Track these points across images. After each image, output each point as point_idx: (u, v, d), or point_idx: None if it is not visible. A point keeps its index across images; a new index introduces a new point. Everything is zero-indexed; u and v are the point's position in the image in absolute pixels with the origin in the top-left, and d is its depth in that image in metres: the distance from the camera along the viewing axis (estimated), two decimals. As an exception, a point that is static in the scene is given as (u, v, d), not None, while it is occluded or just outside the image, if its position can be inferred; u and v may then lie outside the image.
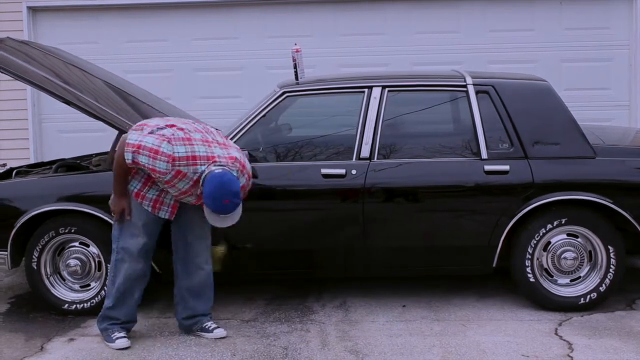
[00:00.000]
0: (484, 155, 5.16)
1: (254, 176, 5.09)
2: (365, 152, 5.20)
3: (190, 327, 4.93)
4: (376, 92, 5.31)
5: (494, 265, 5.21)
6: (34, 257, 5.25)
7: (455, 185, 5.19)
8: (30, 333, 5.03)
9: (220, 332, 4.89)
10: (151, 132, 4.52)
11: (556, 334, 4.80)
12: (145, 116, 5.86)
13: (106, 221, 5.14)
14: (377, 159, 5.20)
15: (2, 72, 5.48)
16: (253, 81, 8.40)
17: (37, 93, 8.22)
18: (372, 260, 5.26)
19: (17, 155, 7.89)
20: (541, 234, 5.11)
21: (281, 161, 5.34)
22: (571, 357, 4.43)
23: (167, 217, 4.74)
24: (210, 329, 4.90)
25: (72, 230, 5.23)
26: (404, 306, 5.36)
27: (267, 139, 5.47)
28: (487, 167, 5.13)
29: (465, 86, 5.31)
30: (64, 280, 5.35)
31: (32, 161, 7.91)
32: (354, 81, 5.56)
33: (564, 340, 4.69)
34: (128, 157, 4.49)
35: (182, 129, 4.57)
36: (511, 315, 5.14)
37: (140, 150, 4.45)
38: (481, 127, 5.20)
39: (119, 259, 4.74)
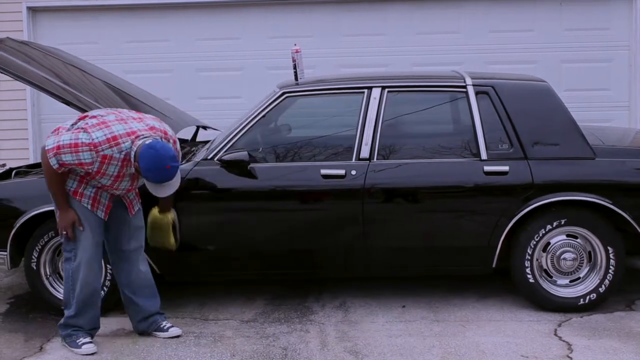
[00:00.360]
0: (484, 155, 5.16)
1: (254, 177, 5.10)
2: (365, 152, 5.20)
3: (147, 328, 4.92)
4: (376, 92, 5.31)
5: (494, 265, 5.21)
6: (33, 257, 5.25)
7: (455, 185, 5.19)
8: (29, 333, 5.03)
9: (175, 330, 4.90)
10: (67, 130, 4.51)
11: (555, 334, 4.80)
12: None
13: (106, 221, 5.14)
14: (377, 159, 5.20)
15: (1, 73, 5.49)
16: (253, 81, 8.40)
17: (37, 93, 8.22)
18: (371, 260, 5.26)
19: (17, 155, 7.90)
20: (541, 235, 5.11)
21: (281, 162, 5.34)
22: (570, 358, 4.43)
23: (102, 216, 4.68)
24: (165, 328, 4.91)
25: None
26: (403, 306, 5.36)
27: (267, 139, 5.47)
28: (487, 168, 5.13)
29: (465, 87, 5.31)
30: (62, 281, 5.35)
31: (31, 161, 7.91)
32: (354, 82, 5.56)
33: (564, 341, 4.69)
34: (53, 162, 4.42)
35: (94, 117, 4.56)
36: (511, 315, 5.14)
37: (61, 150, 4.39)
38: (481, 128, 5.20)
39: (74, 268, 4.66)
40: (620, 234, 5.13)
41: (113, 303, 5.29)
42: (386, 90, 5.33)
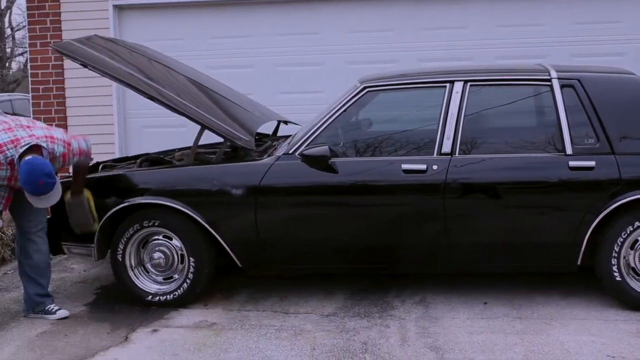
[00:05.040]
0: (569, 150, 5.05)
1: (335, 171, 5.11)
2: (446, 147, 5.15)
3: (35, 307, 5.28)
4: (458, 86, 5.25)
5: (579, 263, 5.10)
6: (119, 249, 5.38)
7: (539, 181, 5.09)
8: (115, 323, 5.14)
9: (62, 312, 5.28)
10: None
11: (644, 334, 4.68)
12: (226, 111, 5.94)
13: (189, 215, 5.22)
14: (459, 154, 5.14)
15: (89, 69, 5.62)
16: (333, 76, 8.39)
17: (122, 89, 8.39)
18: (453, 256, 5.21)
19: (103, 149, 8.05)
20: (628, 232, 4.98)
21: (361, 156, 5.33)
22: (659, 359, 4.32)
23: (1, 209, 5.04)
24: (53, 310, 5.28)
25: (156, 224, 5.33)
26: (485, 303, 5.30)
27: (348, 134, 5.46)
28: (572, 163, 5.02)
29: (549, 80, 5.21)
30: (147, 272, 5.47)
31: (117, 155, 8.09)
32: (436, 76, 5.51)
33: (652, 341, 4.56)
34: None
35: None
36: (596, 314, 5.02)
37: None
38: (566, 122, 5.09)
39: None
40: None
41: (195, 296, 5.38)
42: (469, 84, 5.27)
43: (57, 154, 4.99)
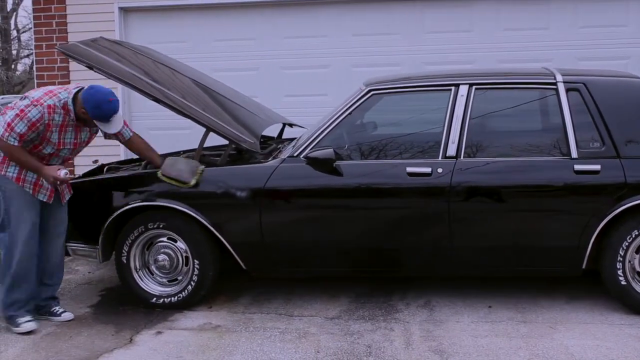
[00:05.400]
0: (574, 154, 5.05)
1: (340, 174, 5.12)
2: (451, 150, 5.15)
3: (41, 309, 5.24)
4: (463, 89, 5.25)
5: (584, 267, 5.09)
6: (123, 251, 5.38)
7: (544, 185, 5.09)
8: (119, 325, 5.15)
9: (67, 315, 5.24)
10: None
11: (649, 339, 4.67)
12: (231, 113, 5.95)
13: (194, 217, 5.23)
14: (464, 157, 5.14)
15: (95, 71, 5.63)
16: (339, 79, 8.41)
17: (128, 91, 8.41)
18: (457, 259, 5.21)
19: (108, 151, 8.06)
20: (633, 236, 4.97)
21: (366, 159, 5.33)
22: (664, 363, 4.31)
23: (45, 199, 5.03)
24: (59, 312, 5.24)
25: (161, 226, 5.33)
26: (489, 307, 5.29)
27: (353, 137, 5.46)
28: (578, 167, 5.01)
29: (555, 84, 5.20)
30: (152, 274, 5.47)
31: (122, 157, 8.10)
32: (441, 79, 5.50)
33: (657, 345, 4.56)
34: (12, 140, 4.81)
35: (28, 92, 5.00)
36: (601, 318, 5.02)
37: (12, 124, 4.78)
38: (571, 126, 5.09)
39: (10, 245, 4.98)
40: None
41: (199, 298, 5.38)
42: (474, 87, 5.26)
43: None
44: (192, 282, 5.33)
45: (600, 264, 5.07)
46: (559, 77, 5.23)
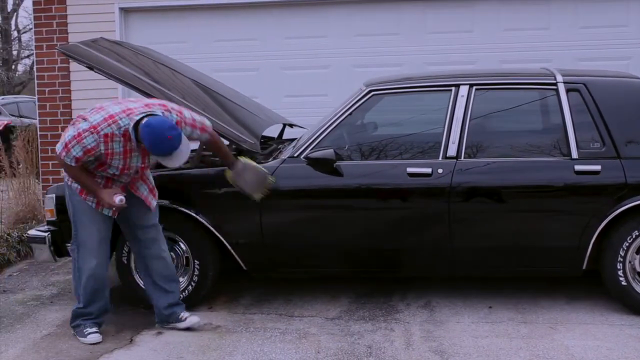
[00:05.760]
0: (575, 154, 5.05)
1: (340, 174, 5.12)
2: (452, 151, 5.15)
3: (169, 317, 5.03)
4: (464, 90, 5.25)
5: (584, 267, 5.09)
6: (124, 252, 5.38)
7: (545, 185, 5.09)
8: (120, 325, 5.15)
9: (192, 319, 5.02)
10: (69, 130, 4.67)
11: (649, 339, 4.67)
12: (231, 114, 5.95)
13: (194, 218, 5.23)
14: (464, 158, 5.13)
15: (95, 72, 5.63)
16: (339, 79, 8.40)
17: (128, 92, 8.38)
18: (458, 260, 5.21)
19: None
20: (634, 237, 4.97)
21: (367, 160, 5.33)
22: (665, 364, 4.31)
23: (109, 214, 4.82)
24: (183, 317, 5.02)
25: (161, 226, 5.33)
26: (490, 307, 5.29)
27: (353, 137, 5.46)
28: (578, 167, 5.01)
29: (555, 84, 5.20)
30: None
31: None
32: (441, 79, 5.51)
33: (657, 346, 4.55)
34: (67, 160, 4.61)
35: (92, 108, 4.73)
36: (601, 319, 5.01)
37: (69, 146, 4.57)
38: (572, 126, 5.09)
39: (80, 257, 4.85)
40: None
41: (200, 299, 5.38)
42: (474, 87, 5.26)
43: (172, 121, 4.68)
44: (192, 283, 5.33)
45: (601, 264, 5.07)
46: (560, 78, 5.23)
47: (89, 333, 4.88)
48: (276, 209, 5.23)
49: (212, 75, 7.23)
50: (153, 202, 4.97)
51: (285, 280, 5.88)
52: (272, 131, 6.57)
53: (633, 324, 4.90)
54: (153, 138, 4.49)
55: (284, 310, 5.36)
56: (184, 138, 4.58)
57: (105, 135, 4.56)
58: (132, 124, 4.58)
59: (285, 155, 5.40)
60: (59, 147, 4.65)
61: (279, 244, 5.28)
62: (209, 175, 5.37)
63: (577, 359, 4.41)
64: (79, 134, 4.55)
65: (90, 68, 5.64)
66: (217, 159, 5.62)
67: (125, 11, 8.76)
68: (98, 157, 4.62)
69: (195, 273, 5.32)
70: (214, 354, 4.63)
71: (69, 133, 4.61)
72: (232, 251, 5.30)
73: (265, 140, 6.36)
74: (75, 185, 4.80)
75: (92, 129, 4.54)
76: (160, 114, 4.64)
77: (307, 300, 5.54)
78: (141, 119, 4.57)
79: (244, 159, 5.10)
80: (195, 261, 5.31)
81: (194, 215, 5.23)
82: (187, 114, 4.83)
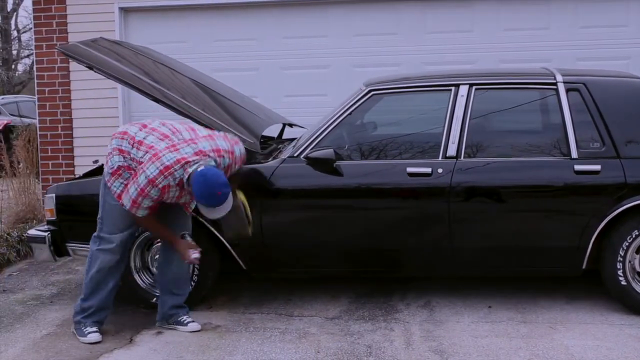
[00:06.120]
0: (574, 154, 5.05)
1: (340, 174, 5.12)
2: (451, 150, 5.15)
3: (169, 318, 5.05)
4: (463, 90, 5.25)
5: (584, 267, 5.09)
6: (124, 251, 5.38)
7: (544, 185, 5.09)
8: (120, 325, 5.14)
9: (194, 325, 5.01)
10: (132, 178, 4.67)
11: (649, 339, 4.67)
12: (231, 113, 5.94)
13: (197, 220, 5.21)
14: (464, 157, 5.13)
15: (95, 71, 5.63)
16: (339, 79, 8.40)
17: (128, 91, 8.41)
18: (458, 259, 5.21)
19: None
20: (634, 236, 4.97)
21: (367, 159, 5.33)
22: (664, 364, 4.31)
23: (143, 215, 4.80)
24: (186, 322, 5.02)
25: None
26: (489, 307, 5.29)
27: (353, 137, 5.46)
28: (578, 167, 5.01)
29: (555, 84, 5.20)
30: (152, 274, 5.46)
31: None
32: (441, 79, 5.51)
33: (657, 345, 4.55)
34: (140, 213, 4.67)
35: (147, 150, 4.66)
36: (601, 319, 5.02)
37: (138, 202, 4.61)
38: (571, 126, 5.09)
39: (98, 249, 4.87)
40: None
41: (199, 299, 5.38)
42: (474, 87, 5.26)
43: (223, 167, 4.72)
44: (192, 283, 5.33)
45: (601, 264, 5.07)
46: (559, 77, 5.23)
47: (89, 332, 4.88)
48: (276, 209, 5.23)
49: (212, 75, 7.24)
50: (192, 206, 4.97)
51: (285, 280, 5.88)
52: (272, 131, 6.57)
53: (633, 324, 4.90)
54: (203, 190, 4.51)
55: (284, 310, 5.36)
56: (230, 196, 4.62)
57: (164, 187, 4.60)
58: (186, 176, 4.59)
59: (285, 155, 5.40)
60: (126, 203, 4.67)
61: (278, 243, 5.28)
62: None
63: (576, 358, 4.41)
64: (142, 190, 4.58)
65: (90, 68, 5.64)
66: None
67: (125, 11, 8.76)
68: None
69: (195, 273, 5.32)
70: (213, 353, 4.63)
71: (132, 190, 4.60)
72: (231, 251, 5.29)
73: (265, 140, 6.36)
74: (114, 188, 4.80)
75: (152, 183, 4.56)
76: (214, 163, 4.64)
77: (307, 300, 5.54)
78: (196, 168, 4.57)
79: (242, 199, 4.96)
80: (195, 261, 5.31)
81: (193, 215, 5.22)
82: (237, 151, 4.84)
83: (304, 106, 8.33)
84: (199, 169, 4.53)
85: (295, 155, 5.30)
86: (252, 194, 5.18)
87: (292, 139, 6.08)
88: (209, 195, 4.51)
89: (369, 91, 5.38)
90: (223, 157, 4.71)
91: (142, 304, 5.41)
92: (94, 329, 4.91)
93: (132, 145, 4.72)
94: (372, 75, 6.21)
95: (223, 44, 8.72)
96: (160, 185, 4.57)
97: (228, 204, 4.62)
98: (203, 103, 5.83)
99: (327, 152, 5.14)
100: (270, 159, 5.43)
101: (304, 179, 5.23)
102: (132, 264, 5.40)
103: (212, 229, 5.23)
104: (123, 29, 8.73)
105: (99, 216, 4.90)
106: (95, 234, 4.91)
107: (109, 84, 7.54)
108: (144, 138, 4.72)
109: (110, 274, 4.91)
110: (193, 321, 5.05)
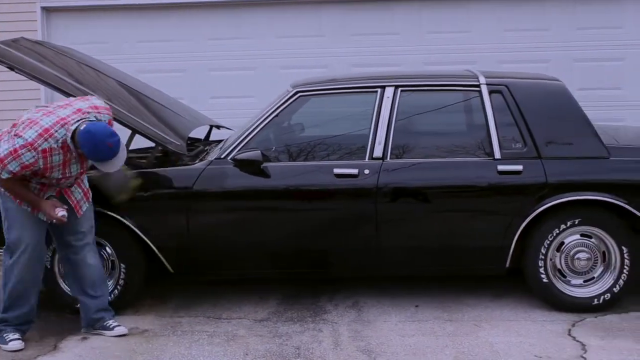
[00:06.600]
0: (497, 155, 5.15)
1: (267, 176, 5.12)
2: (378, 151, 5.19)
3: (93, 324, 4.96)
4: (389, 91, 5.30)
5: (507, 265, 5.19)
6: (47, 256, 5.26)
7: (469, 185, 5.18)
8: (44, 331, 5.04)
9: (121, 329, 4.94)
10: (4, 141, 4.53)
11: (569, 334, 4.78)
12: (157, 115, 5.89)
13: (122, 222, 5.15)
14: (390, 158, 5.19)
15: (16, 72, 5.50)
16: (266, 81, 8.39)
17: (52, 93, 8.23)
18: (384, 259, 5.25)
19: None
20: (554, 234, 5.10)
21: (294, 161, 5.33)
22: (584, 358, 4.42)
23: (45, 219, 4.73)
24: (112, 326, 4.95)
25: (86, 230, 5.24)
26: (416, 306, 5.35)
27: (280, 138, 5.46)
28: (501, 167, 5.11)
29: (478, 86, 5.30)
30: (77, 279, 5.37)
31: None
32: (367, 81, 5.56)
33: (577, 341, 4.67)
34: (4, 174, 4.50)
35: (22, 122, 4.57)
36: (524, 315, 5.13)
37: (5, 162, 4.45)
38: (494, 127, 5.18)
39: (12, 262, 4.74)
40: (636, 234, 5.10)
41: (126, 303, 5.31)
42: (399, 89, 5.32)
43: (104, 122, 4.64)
44: (118, 287, 5.26)
45: (523, 262, 5.18)
46: (482, 79, 5.32)
47: (10, 340, 4.76)
48: (203, 211, 5.20)
49: (137, 77, 7.14)
50: (83, 207, 4.88)
51: (213, 282, 5.84)
52: (199, 132, 6.53)
53: (554, 320, 5.02)
54: (93, 145, 4.43)
55: (212, 313, 5.33)
56: (122, 143, 4.54)
57: (44, 151, 4.46)
58: (69, 135, 4.49)
59: (212, 156, 5.37)
60: None
61: (206, 246, 5.24)
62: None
63: (501, 355, 4.50)
64: (15, 151, 4.43)
65: (11, 68, 5.50)
66: (143, 160, 5.57)
67: (48, 10, 8.59)
68: (35, 171, 4.53)
69: (121, 277, 5.25)
70: (140, 358, 4.57)
71: (3, 148, 4.48)
72: (158, 254, 5.24)
73: (192, 142, 6.31)
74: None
75: (29, 146, 4.42)
76: (94, 118, 4.57)
77: (235, 302, 5.52)
78: (78, 126, 4.49)
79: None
80: (122, 264, 5.24)
81: (119, 218, 5.16)
82: (111, 111, 4.80)
83: (231, 108, 8.30)
84: (82, 127, 4.46)
85: (222, 157, 5.27)
86: (178, 196, 5.15)
87: (219, 141, 6.05)
88: (100, 149, 4.44)
89: (296, 92, 5.39)
90: (101, 113, 4.67)
91: (67, 309, 5.31)
92: (16, 336, 4.80)
93: (10, 133, 4.56)
94: (305, 76, 6.22)
95: (148, 44, 8.63)
96: (40, 148, 4.43)
97: (123, 153, 4.57)
98: (128, 104, 5.76)
99: (254, 154, 5.14)
100: (197, 161, 5.39)
101: (231, 181, 5.21)
102: (56, 269, 5.30)
103: (138, 231, 5.17)
104: (45, 29, 8.56)
105: (4, 227, 4.76)
106: (4, 247, 4.79)
107: (31, 85, 7.37)
108: (18, 121, 4.62)
109: (32, 284, 4.80)
110: (119, 325, 4.97)
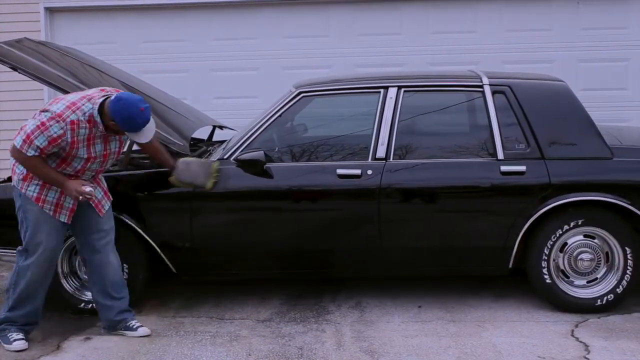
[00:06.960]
0: (500, 155, 5.14)
1: (270, 176, 5.12)
2: (381, 152, 5.19)
3: (115, 326, 4.95)
4: (392, 92, 5.30)
5: (510, 266, 5.19)
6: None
7: (472, 185, 5.18)
8: (47, 332, 5.05)
9: (143, 330, 4.94)
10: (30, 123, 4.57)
11: (572, 335, 4.77)
12: (161, 115, 5.89)
13: (123, 221, 5.16)
14: (393, 159, 5.18)
15: (19, 73, 5.52)
16: (269, 81, 8.41)
17: (54, 93, 8.24)
18: (387, 260, 5.25)
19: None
20: (558, 235, 5.09)
21: (297, 161, 5.34)
22: (587, 359, 4.41)
23: (65, 220, 4.73)
24: (134, 327, 4.94)
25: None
26: (419, 307, 5.35)
27: (283, 139, 5.47)
28: (504, 168, 5.11)
29: (481, 86, 5.29)
30: (80, 280, 5.38)
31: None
32: (370, 81, 5.55)
33: (581, 342, 4.66)
34: (31, 152, 4.48)
35: (50, 103, 4.64)
36: (527, 316, 5.12)
37: (32, 137, 4.46)
38: (497, 128, 5.18)
39: (26, 264, 4.73)
40: (639, 235, 5.10)
41: (129, 303, 5.31)
42: (402, 90, 5.32)
43: None
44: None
45: (526, 263, 5.17)
46: (485, 80, 5.32)
47: (14, 340, 4.76)
48: (206, 211, 5.20)
49: (140, 77, 7.15)
50: (105, 206, 4.87)
51: (216, 282, 5.85)
52: (202, 133, 6.53)
53: (557, 321, 5.01)
54: (126, 110, 4.44)
55: (215, 313, 5.33)
56: (151, 114, 4.58)
57: (72, 122, 4.49)
58: (96, 108, 4.53)
59: (215, 157, 5.37)
60: (18, 141, 4.50)
61: (209, 246, 5.25)
62: (138, 177, 5.32)
63: (504, 355, 4.49)
64: (43, 124, 4.45)
65: (14, 69, 5.51)
66: (146, 161, 5.57)
67: (51, 11, 8.61)
68: (62, 148, 4.52)
69: (124, 277, 5.25)
70: (143, 358, 4.57)
71: (30, 124, 4.50)
72: (161, 254, 5.24)
73: (195, 142, 6.32)
74: (30, 193, 4.66)
75: (58, 117, 4.46)
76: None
77: (238, 302, 5.52)
78: (105, 100, 4.53)
79: (181, 158, 5.09)
80: (124, 265, 5.24)
81: (122, 218, 5.17)
82: None
83: (234, 108, 8.31)
84: (111, 98, 4.51)
85: (225, 157, 5.27)
86: (181, 196, 5.16)
87: (222, 141, 6.05)
88: (132, 114, 4.45)
89: (299, 93, 5.38)
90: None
91: (70, 309, 5.32)
92: (20, 335, 4.80)
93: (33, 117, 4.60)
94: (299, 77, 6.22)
95: (151, 45, 8.64)
96: (68, 119, 4.46)
97: (152, 123, 4.60)
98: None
99: (257, 154, 5.14)
100: (200, 162, 5.39)
101: (234, 181, 5.21)
102: (60, 270, 5.30)
103: (141, 231, 5.18)
104: (49, 29, 8.58)
105: (22, 228, 4.75)
106: (20, 248, 4.78)
107: (34, 86, 7.38)
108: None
109: (40, 286, 4.79)
110: (142, 325, 4.96)
